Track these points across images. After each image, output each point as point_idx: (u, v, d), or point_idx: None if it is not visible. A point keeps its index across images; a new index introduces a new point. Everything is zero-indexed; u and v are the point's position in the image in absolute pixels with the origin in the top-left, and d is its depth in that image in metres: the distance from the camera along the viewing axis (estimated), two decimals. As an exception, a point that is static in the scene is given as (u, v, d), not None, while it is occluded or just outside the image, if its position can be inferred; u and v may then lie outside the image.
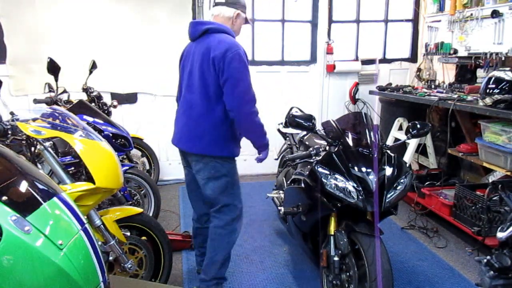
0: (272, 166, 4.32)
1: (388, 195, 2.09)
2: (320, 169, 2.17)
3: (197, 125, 2.38)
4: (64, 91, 3.51)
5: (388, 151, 2.26)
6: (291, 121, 2.29)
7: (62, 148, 2.63)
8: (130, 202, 3.04)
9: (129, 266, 2.15)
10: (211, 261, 2.49)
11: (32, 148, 2.04)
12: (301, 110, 3.37)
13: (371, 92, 4.64)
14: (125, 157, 3.70)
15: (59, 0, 4.10)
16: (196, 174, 2.48)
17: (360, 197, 2.05)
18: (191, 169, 2.56)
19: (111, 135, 2.89)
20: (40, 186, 1.36)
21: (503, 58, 3.65)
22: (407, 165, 2.31)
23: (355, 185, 2.07)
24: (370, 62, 5.08)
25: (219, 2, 2.44)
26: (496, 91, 2.99)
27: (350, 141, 2.27)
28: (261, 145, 2.50)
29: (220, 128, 2.37)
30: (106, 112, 3.58)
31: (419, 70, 4.88)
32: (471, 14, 3.91)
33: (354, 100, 5.04)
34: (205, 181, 2.43)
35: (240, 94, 2.26)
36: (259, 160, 2.59)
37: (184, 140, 2.44)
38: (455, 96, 3.58)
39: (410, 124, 2.44)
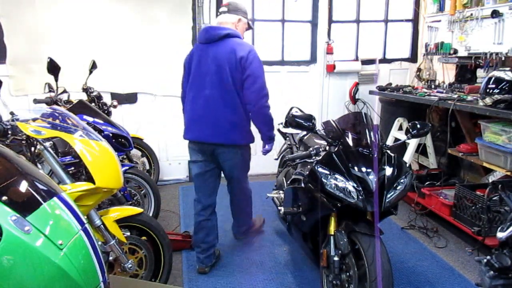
0: (272, 166, 4.33)
1: (388, 195, 2.09)
2: (320, 169, 2.17)
3: (231, 118, 2.71)
4: (64, 91, 3.51)
5: (388, 151, 2.26)
6: (291, 121, 2.29)
7: (62, 148, 2.63)
8: (130, 202, 3.04)
9: (129, 266, 2.15)
10: (246, 213, 3.24)
11: (32, 148, 2.04)
12: (301, 110, 3.38)
13: (371, 92, 4.64)
14: (125, 157, 3.69)
15: (59, 0, 4.10)
16: (225, 162, 2.84)
17: (360, 197, 2.05)
18: (207, 161, 2.87)
19: (111, 135, 2.89)
20: (40, 186, 1.36)
21: (503, 58, 3.64)
22: (407, 165, 2.31)
23: (355, 185, 2.07)
24: (370, 62, 5.08)
25: (222, 11, 2.83)
26: (496, 91, 2.99)
27: (350, 141, 2.27)
28: (269, 137, 2.89)
29: (247, 121, 2.81)
30: (106, 112, 3.58)
31: (419, 70, 4.88)
32: (471, 14, 3.91)
33: (354, 100, 5.04)
34: (234, 165, 2.88)
35: (258, 89, 2.67)
36: (265, 151, 2.97)
37: (216, 134, 2.73)
38: (455, 96, 3.58)
39: (410, 124, 2.44)
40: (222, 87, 2.67)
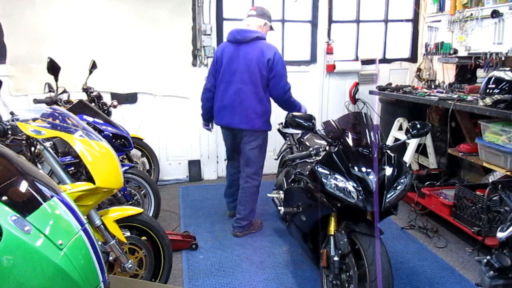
0: (272, 166, 4.33)
1: (388, 195, 2.09)
2: (320, 169, 2.17)
3: (256, 109, 3.22)
4: (64, 91, 3.51)
5: (388, 151, 2.26)
6: (291, 121, 2.29)
7: (62, 148, 2.63)
8: (130, 202, 3.04)
9: (129, 266, 2.15)
10: (251, 209, 3.43)
11: (32, 148, 2.04)
12: (301, 110, 3.39)
13: (371, 92, 4.64)
14: (125, 157, 3.69)
15: (59, 0, 4.10)
16: (246, 144, 3.33)
17: (360, 197, 2.05)
18: (235, 141, 3.42)
19: (111, 135, 2.89)
20: (40, 186, 1.35)
21: (503, 58, 3.65)
22: (407, 165, 2.31)
23: (355, 185, 2.07)
24: (370, 62, 5.08)
25: (251, 14, 3.31)
26: (496, 91, 2.99)
27: (350, 141, 2.27)
28: (298, 111, 3.31)
29: (269, 111, 3.33)
30: (106, 112, 3.58)
31: (419, 70, 4.88)
32: (471, 14, 3.91)
33: (354, 100, 5.04)
34: (253, 148, 3.32)
35: (282, 87, 3.21)
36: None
37: (243, 121, 3.24)
38: (455, 96, 3.58)
39: (410, 124, 2.44)
40: (250, 82, 3.17)
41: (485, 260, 1.96)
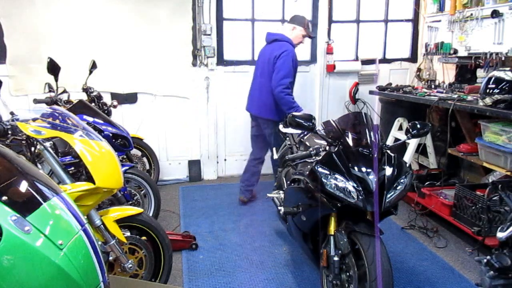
0: (272, 166, 4.32)
1: (388, 195, 2.09)
2: (320, 169, 2.17)
3: (265, 99, 3.78)
4: (64, 91, 3.51)
5: (388, 151, 2.26)
6: (291, 121, 2.29)
7: (62, 148, 2.62)
8: (130, 202, 3.03)
9: (129, 266, 2.15)
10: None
11: (32, 148, 2.04)
12: (301, 110, 3.39)
13: (371, 92, 4.64)
14: (125, 157, 3.69)
15: (59, 0, 4.10)
16: (264, 130, 3.92)
17: (360, 197, 2.05)
18: (258, 127, 3.99)
19: (111, 135, 2.89)
20: (40, 186, 1.36)
21: (503, 58, 3.65)
22: (407, 165, 2.30)
23: (355, 185, 2.07)
24: (370, 62, 5.07)
25: (287, 20, 3.96)
26: (496, 91, 2.99)
27: (350, 141, 2.26)
28: (289, 113, 3.65)
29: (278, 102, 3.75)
30: (106, 112, 3.58)
31: (419, 70, 4.88)
32: (471, 14, 3.91)
33: (354, 100, 5.04)
34: (270, 134, 3.88)
35: (278, 78, 3.61)
36: None
37: (256, 108, 3.89)
38: (455, 96, 3.58)
39: (410, 124, 2.44)
40: (265, 76, 3.75)
41: (485, 260, 1.96)
